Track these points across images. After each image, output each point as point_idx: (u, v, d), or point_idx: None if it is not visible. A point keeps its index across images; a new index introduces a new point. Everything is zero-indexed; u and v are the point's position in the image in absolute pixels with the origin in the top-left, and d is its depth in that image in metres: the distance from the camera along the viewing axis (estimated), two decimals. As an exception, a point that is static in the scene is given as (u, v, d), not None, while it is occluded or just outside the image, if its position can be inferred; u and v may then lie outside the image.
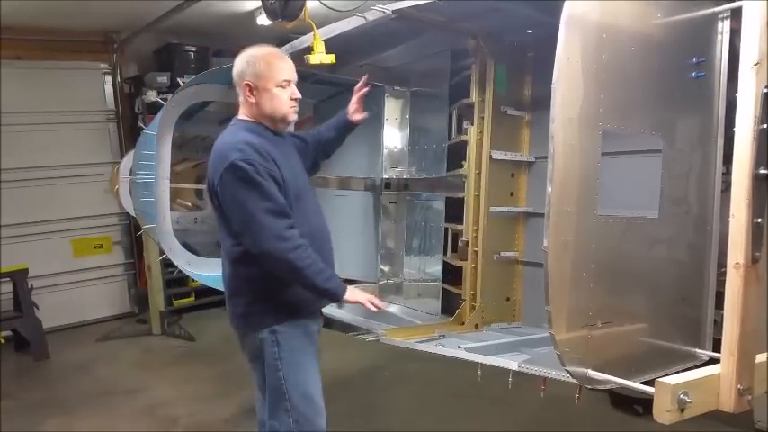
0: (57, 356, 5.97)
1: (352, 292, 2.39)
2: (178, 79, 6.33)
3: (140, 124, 6.97)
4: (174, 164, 4.32)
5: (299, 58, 3.35)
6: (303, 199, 2.40)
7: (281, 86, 2.35)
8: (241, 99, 2.41)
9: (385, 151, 4.12)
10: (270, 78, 2.34)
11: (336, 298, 2.38)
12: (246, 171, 2.18)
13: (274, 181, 2.24)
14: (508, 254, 3.26)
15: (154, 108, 6.37)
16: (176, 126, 4.16)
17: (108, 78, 7.25)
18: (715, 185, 2.30)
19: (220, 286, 4.00)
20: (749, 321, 1.84)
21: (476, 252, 3.19)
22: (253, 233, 2.21)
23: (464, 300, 3.25)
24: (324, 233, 2.51)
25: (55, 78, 6.80)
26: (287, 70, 2.38)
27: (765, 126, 1.80)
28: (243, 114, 2.43)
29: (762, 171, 1.80)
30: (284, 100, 2.36)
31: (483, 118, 3.14)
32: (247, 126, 2.39)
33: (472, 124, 3.18)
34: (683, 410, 1.77)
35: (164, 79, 6.96)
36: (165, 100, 4.37)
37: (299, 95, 2.41)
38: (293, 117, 2.44)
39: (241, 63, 2.40)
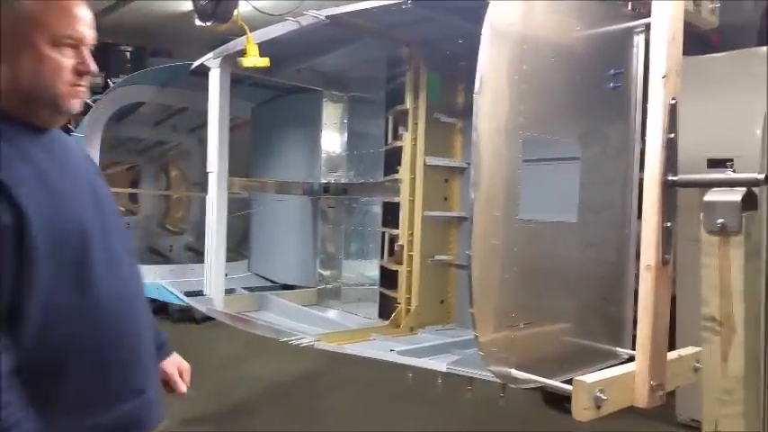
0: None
1: None
2: (110, 80, 6.16)
3: (70, 125, 6.72)
4: (105, 167, 4.19)
5: (232, 60, 3.32)
6: (98, 246, 1.29)
7: (60, 45, 1.26)
8: None
9: (323, 156, 4.12)
10: (41, 25, 1.24)
11: None
12: None
13: None
14: (442, 257, 3.31)
15: (87, 109, 6.17)
16: (109, 128, 4.05)
17: (38, 77, 6.95)
18: (633, 191, 2.41)
19: (155, 295, 3.93)
20: (661, 321, 1.93)
21: (411, 256, 3.23)
22: None
23: (399, 303, 3.28)
24: (126, 299, 1.36)
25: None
26: (76, 18, 1.28)
27: (673, 135, 1.90)
28: None
29: (670, 178, 1.90)
30: (61, 68, 1.26)
31: (417, 124, 3.19)
32: None
33: (407, 130, 3.22)
34: (599, 408, 1.83)
35: (98, 80, 6.74)
36: (95, 100, 4.24)
37: (93, 68, 1.31)
38: (76, 106, 1.33)
39: None
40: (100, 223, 1.31)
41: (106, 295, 1.28)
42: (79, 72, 1.29)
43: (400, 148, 3.28)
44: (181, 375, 1.65)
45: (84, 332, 1.24)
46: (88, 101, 5.37)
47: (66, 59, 1.27)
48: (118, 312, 1.31)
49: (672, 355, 2.02)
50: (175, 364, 1.65)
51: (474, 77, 1.86)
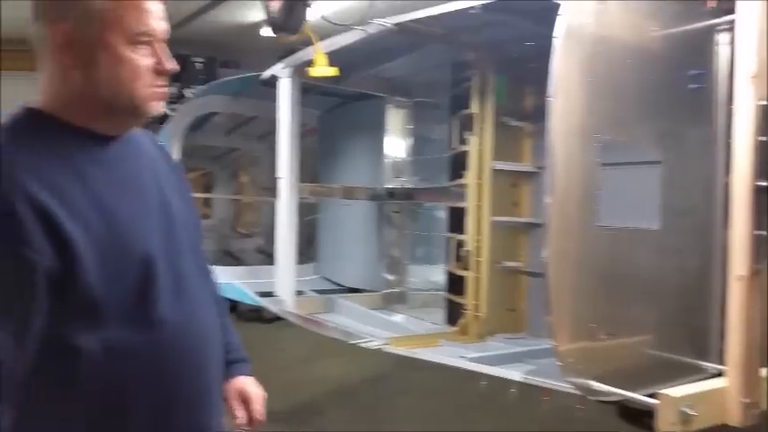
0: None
1: None
2: (185, 90, 6.43)
3: (148, 134, 7.09)
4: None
5: (301, 70, 3.40)
6: (164, 271, 1.14)
7: (136, 43, 1.11)
8: (45, 66, 1.14)
9: (388, 161, 4.14)
10: (114, 24, 1.09)
11: None
12: None
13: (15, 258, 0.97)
14: (511, 264, 3.25)
15: (163, 118, 6.48)
16: (184, 136, 4.23)
17: (117, 89, 7.34)
18: (719, 196, 2.28)
19: (229, 294, 4.06)
20: (753, 334, 1.83)
21: (478, 262, 3.20)
22: None
23: (467, 309, 3.24)
24: (195, 326, 1.20)
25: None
26: (149, 12, 1.12)
27: (765, 138, 1.80)
28: (45, 96, 1.14)
29: (762, 183, 1.80)
30: (139, 69, 1.11)
31: (483, 128, 3.15)
32: (28, 127, 1.10)
33: (473, 134, 3.18)
34: (687, 423, 1.75)
35: (172, 90, 7.05)
36: (174, 110, 4.44)
37: (171, 66, 1.15)
38: (158, 108, 1.16)
39: None
40: (168, 242, 1.16)
41: (173, 326, 1.14)
42: (158, 71, 1.14)
43: (465, 153, 3.26)
44: (247, 403, 1.37)
45: (149, 369, 1.11)
46: (167, 110, 5.63)
47: (144, 59, 1.12)
48: (185, 344, 1.16)
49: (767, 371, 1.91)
50: (238, 390, 1.38)
51: (544, 80, 1.82)
